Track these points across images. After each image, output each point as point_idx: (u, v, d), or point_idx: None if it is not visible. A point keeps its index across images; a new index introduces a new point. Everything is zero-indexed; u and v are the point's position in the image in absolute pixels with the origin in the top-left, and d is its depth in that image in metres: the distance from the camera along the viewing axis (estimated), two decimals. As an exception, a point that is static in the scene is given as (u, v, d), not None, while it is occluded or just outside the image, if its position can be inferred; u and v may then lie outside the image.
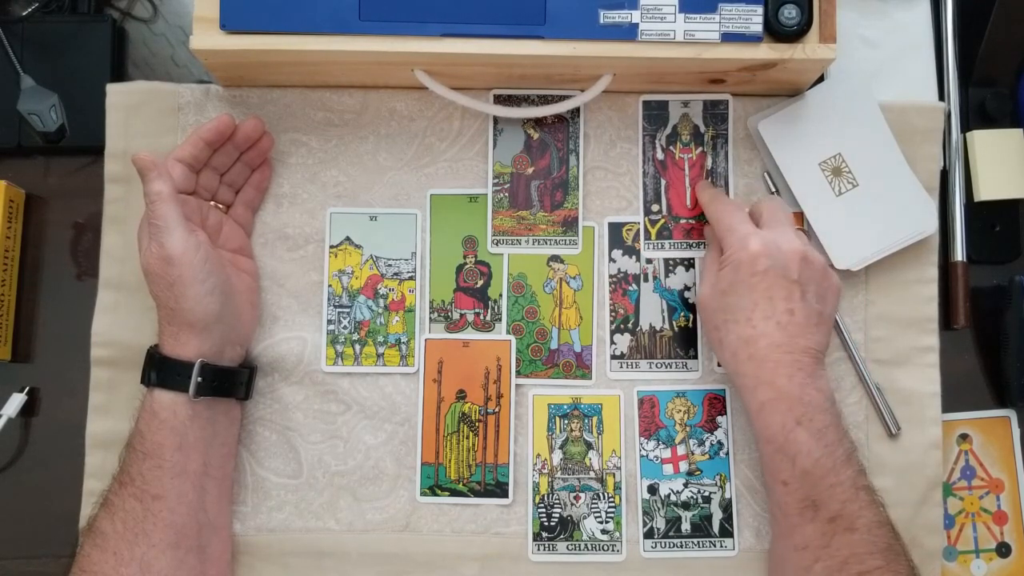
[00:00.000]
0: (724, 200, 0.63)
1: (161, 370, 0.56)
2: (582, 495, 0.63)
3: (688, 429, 0.64)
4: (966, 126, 0.69)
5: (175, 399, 0.56)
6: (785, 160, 0.64)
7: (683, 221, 0.66)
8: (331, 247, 0.65)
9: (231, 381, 0.60)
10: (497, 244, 0.65)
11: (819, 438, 0.55)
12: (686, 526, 0.63)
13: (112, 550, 0.54)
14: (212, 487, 0.59)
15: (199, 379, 0.56)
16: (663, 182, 0.66)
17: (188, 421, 0.56)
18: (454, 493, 0.63)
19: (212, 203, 0.62)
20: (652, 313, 0.65)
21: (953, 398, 0.65)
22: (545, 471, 0.63)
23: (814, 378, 0.56)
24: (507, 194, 0.65)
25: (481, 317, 0.65)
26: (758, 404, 0.56)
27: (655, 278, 0.65)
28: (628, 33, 0.57)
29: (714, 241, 0.62)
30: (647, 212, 0.65)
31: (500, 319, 0.65)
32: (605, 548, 0.62)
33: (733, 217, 0.60)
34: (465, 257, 0.65)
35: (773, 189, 0.66)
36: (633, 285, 0.65)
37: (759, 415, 0.56)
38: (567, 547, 0.62)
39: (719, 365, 0.64)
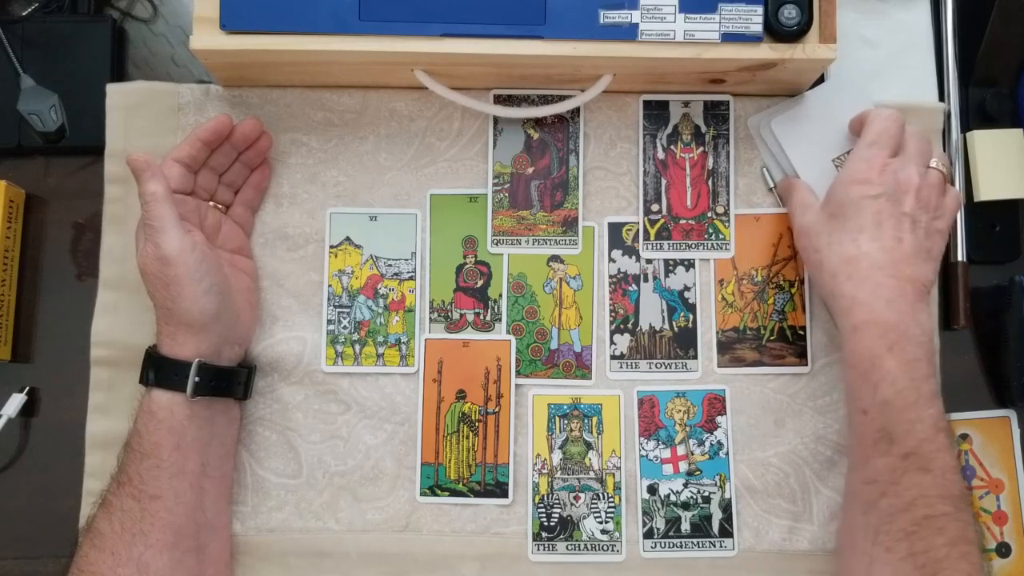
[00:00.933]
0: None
1: (159, 370, 0.56)
2: (582, 495, 0.63)
3: (688, 429, 0.64)
4: (966, 126, 0.69)
5: (172, 399, 0.56)
6: (799, 157, 0.64)
7: (683, 221, 0.66)
8: (331, 247, 0.65)
9: (229, 380, 0.60)
10: (497, 244, 0.65)
11: (907, 369, 0.53)
12: (686, 526, 0.63)
13: (110, 550, 0.54)
14: (211, 487, 0.59)
15: (196, 379, 0.56)
16: (664, 181, 0.66)
17: (186, 421, 0.56)
18: (454, 493, 0.63)
19: (211, 203, 0.62)
20: (652, 313, 0.65)
21: (953, 398, 0.65)
22: (545, 471, 0.63)
23: (914, 309, 0.54)
24: (507, 194, 0.65)
25: (481, 317, 0.65)
26: (851, 326, 0.55)
27: (655, 278, 0.65)
28: (628, 33, 0.57)
29: (797, 186, 0.63)
30: (647, 212, 0.65)
31: (500, 319, 0.65)
32: (605, 548, 0.62)
33: (867, 137, 0.58)
34: (465, 257, 0.65)
35: (772, 185, 0.66)
36: (633, 285, 0.65)
37: (850, 337, 0.55)
38: (567, 547, 0.62)
39: (718, 364, 0.64)
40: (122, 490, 0.55)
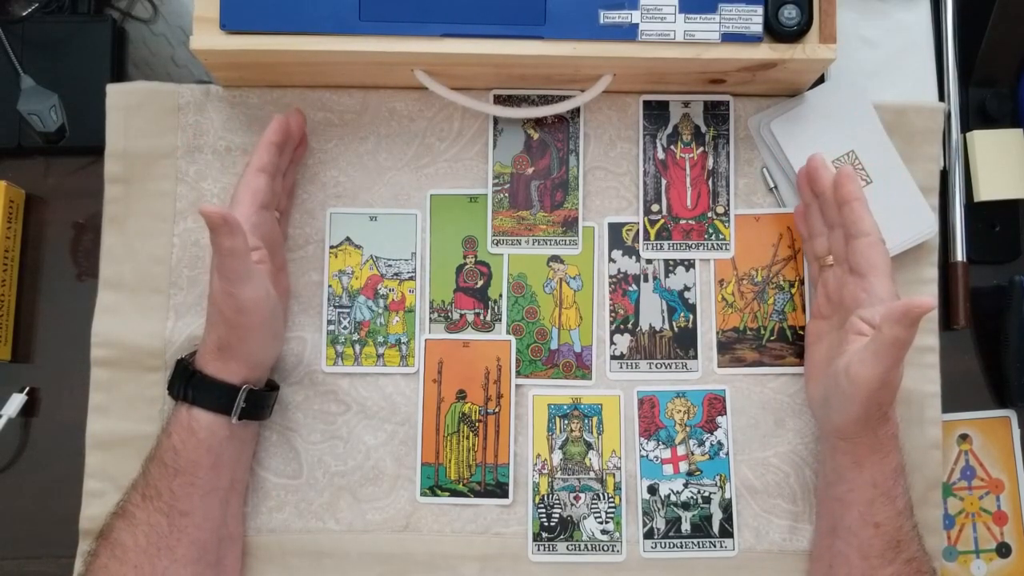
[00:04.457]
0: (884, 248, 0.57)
1: (202, 390, 0.56)
2: (582, 495, 0.63)
3: (688, 429, 0.64)
4: (966, 126, 0.69)
5: (215, 420, 0.56)
6: (798, 158, 0.64)
7: (683, 221, 0.66)
8: (331, 247, 0.65)
9: (263, 404, 0.60)
10: (497, 244, 0.65)
11: (906, 477, 0.56)
12: (686, 526, 0.63)
13: (133, 563, 0.54)
14: (235, 501, 0.59)
15: (243, 404, 0.56)
16: (664, 181, 0.66)
17: (225, 441, 0.56)
18: (454, 493, 0.63)
19: (276, 214, 0.61)
20: (652, 313, 0.65)
21: (953, 398, 0.65)
22: (545, 471, 0.63)
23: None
24: (507, 194, 0.65)
25: (481, 317, 0.65)
26: (885, 437, 0.55)
27: (655, 278, 0.65)
28: (628, 33, 0.57)
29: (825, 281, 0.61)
30: (647, 212, 0.65)
31: (500, 319, 0.65)
32: (605, 548, 0.62)
33: (889, 284, 0.55)
34: (465, 257, 0.65)
35: (772, 185, 0.66)
36: (633, 285, 0.65)
37: (880, 450, 0.55)
38: (567, 547, 0.62)
39: (718, 364, 0.64)
40: (149, 504, 0.55)
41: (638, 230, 0.65)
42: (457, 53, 0.58)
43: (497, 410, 0.63)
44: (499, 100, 0.65)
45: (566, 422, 0.64)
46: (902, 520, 0.55)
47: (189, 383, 0.56)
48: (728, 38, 0.58)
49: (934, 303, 0.49)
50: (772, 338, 0.65)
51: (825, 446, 0.59)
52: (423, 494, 0.63)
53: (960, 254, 0.67)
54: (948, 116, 0.68)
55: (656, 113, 0.66)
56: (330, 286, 0.65)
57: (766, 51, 0.58)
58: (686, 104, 0.66)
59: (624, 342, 0.65)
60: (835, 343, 0.57)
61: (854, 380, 0.52)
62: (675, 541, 0.63)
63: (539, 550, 0.62)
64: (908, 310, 0.48)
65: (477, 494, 0.63)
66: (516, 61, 0.59)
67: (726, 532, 0.63)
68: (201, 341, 0.57)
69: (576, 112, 0.66)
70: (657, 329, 0.65)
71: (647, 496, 0.63)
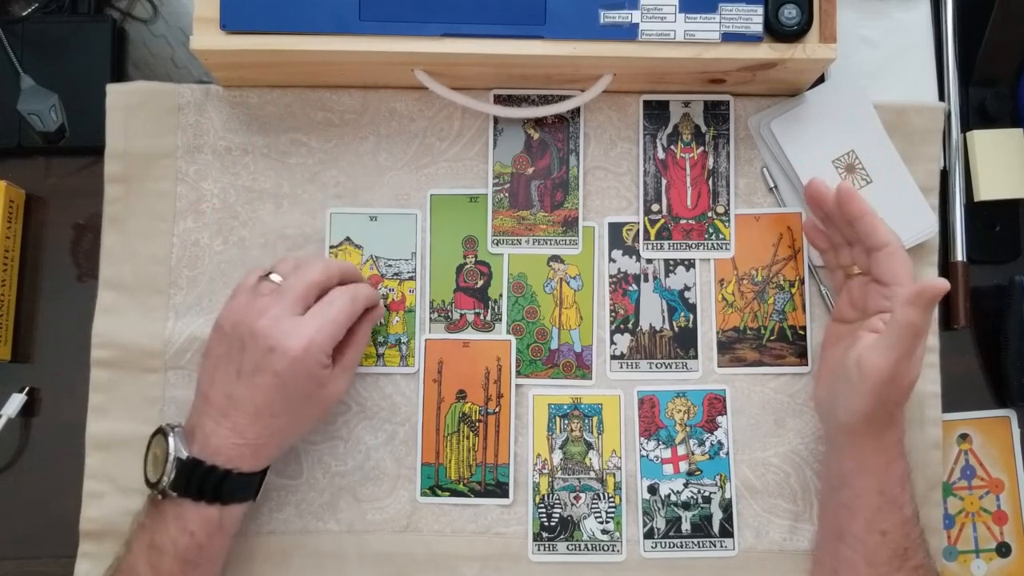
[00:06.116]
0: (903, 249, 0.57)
1: (238, 489, 0.55)
2: (582, 495, 0.63)
3: (688, 429, 0.64)
4: (966, 126, 0.69)
5: (241, 507, 0.56)
6: (798, 158, 0.64)
7: (683, 221, 0.66)
8: (331, 247, 0.65)
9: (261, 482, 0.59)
10: (497, 244, 0.65)
11: (912, 484, 0.56)
12: (686, 526, 0.63)
13: None
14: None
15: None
16: (664, 181, 0.66)
17: (239, 522, 0.57)
18: (454, 493, 0.63)
19: None
20: (652, 313, 0.65)
21: (953, 398, 0.65)
22: (545, 471, 0.63)
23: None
24: (507, 194, 0.65)
25: (481, 317, 0.65)
26: (890, 442, 0.55)
27: (655, 278, 0.65)
28: (628, 33, 0.57)
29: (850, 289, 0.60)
30: (647, 212, 0.65)
31: (500, 319, 0.65)
32: (605, 548, 0.62)
33: (908, 273, 0.55)
34: (465, 257, 0.65)
35: (772, 185, 0.66)
36: (633, 285, 0.65)
37: (884, 454, 0.55)
38: (567, 547, 0.62)
39: (718, 364, 0.64)
40: None
41: (638, 230, 0.65)
42: (457, 53, 0.58)
43: (497, 410, 0.63)
44: (499, 100, 0.65)
45: (566, 422, 0.64)
46: (909, 528, 0.55)
47: (222, 486, 0.54)
48: (728, 38, 0.58)
49: (947, 285, 0.49)
50: (772, 338, 0.65)
51: (829, 448, 0.59)
52: (423, 494, 0.63)
53: (960, 254, 0.67)
54: (948, 116, 0.68)
55: (656, 113, 0.66)
56: (330, 286, 0.65)
57: (766, 51, 0.58)
58: (686, 104, 0.66)
59: (624, 342, 0.65)
60: (852, 344, 0.57)
61: (864, 369, 0.52)
62: (675, 541, 0.63)
63: (539, 550, 0.62)
64: (922, 290, 0.48)
65: (477, 494, 0.63)
66: (516, 61, 0.59)
67: (726, 532, 0.63)
68: (226, 438, 0.54)
69: (576, 112, 0.66)
70: (657, 329, 0.65)
71: (647, 496, 0.63)
